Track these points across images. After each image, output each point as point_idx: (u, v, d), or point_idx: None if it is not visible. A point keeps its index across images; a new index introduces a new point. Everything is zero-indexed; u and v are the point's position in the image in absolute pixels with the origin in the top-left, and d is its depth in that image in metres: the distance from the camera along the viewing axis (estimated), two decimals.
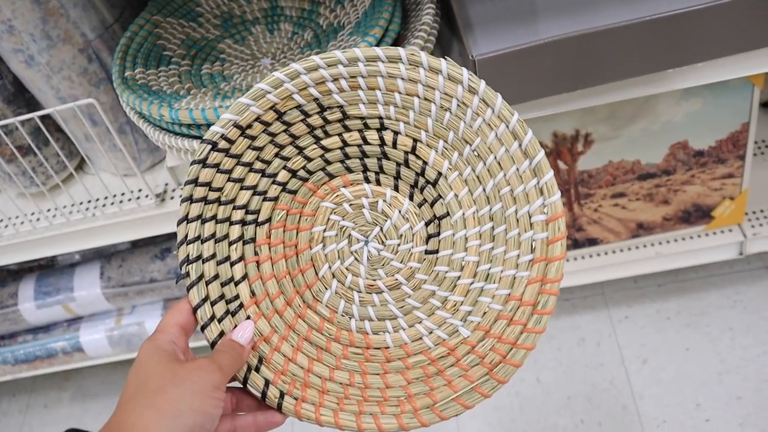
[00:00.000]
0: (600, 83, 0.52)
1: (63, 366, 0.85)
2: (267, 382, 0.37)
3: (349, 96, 0.37)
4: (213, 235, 0.38)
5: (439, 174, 0.38)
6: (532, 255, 0.35)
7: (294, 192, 0.40)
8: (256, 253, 0.39)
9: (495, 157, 0.36)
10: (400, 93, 0.37)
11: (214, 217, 0.38)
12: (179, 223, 0.37)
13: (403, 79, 0.36)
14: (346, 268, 0.40)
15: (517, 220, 0.36)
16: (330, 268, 0.40)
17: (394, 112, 0.37)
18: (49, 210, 0.69)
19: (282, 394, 0.37)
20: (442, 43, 0.58)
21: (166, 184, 0.66)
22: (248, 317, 0.38)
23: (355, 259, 0.40)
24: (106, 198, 0.67)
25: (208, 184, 0.37)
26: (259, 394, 0.37)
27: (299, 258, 0.40)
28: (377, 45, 0.51)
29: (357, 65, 0.36)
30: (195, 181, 0.37)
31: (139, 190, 0.67)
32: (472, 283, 0.38)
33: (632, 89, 0.54)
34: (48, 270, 0.82)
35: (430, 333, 0.38)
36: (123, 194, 0.67)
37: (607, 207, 0.75)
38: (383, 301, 0.39)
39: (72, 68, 0.59)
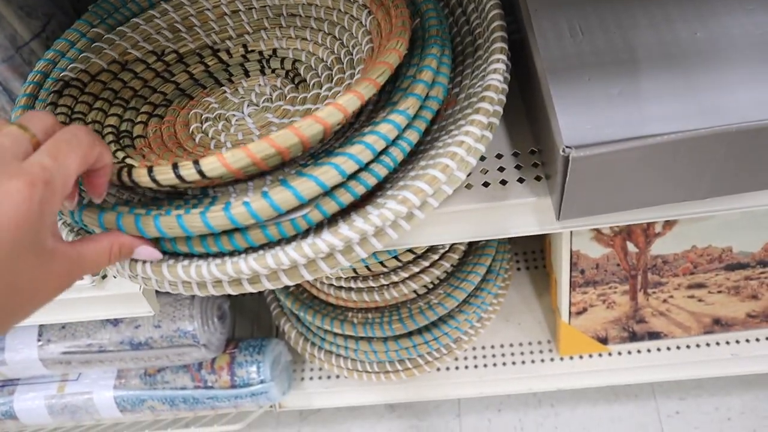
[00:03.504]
0: (735, 192, 0.35)
1: None
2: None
3: (176, 38, 0.44)
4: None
5: (274, 50, 0.45)
6: None
7: (161, 116, 0.42)
8: (135, 148, 0.39)
9: None
10: (213, 20, 0.45)
11: (83, 119, 0.39)
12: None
13: (209, 9, 0.45)
14: (233, 133, 0.41)
15: None
16: (221, 139, 0.41)
17: (218, 37, 0.45)
18: None
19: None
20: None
21: None
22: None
23: (239, 125, 0.41)
24: None
25: (69, 107, 0.39)
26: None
27: (184, 148, 0.40)
28: (422, 106, 0.34)
29: (169, 14, 0.44)
30: (54, 105, 0.38)
31: None
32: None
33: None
34: None
35: (331, 91, 0.40)
36: None
37: (680, 298, 0.59)
38: (280, 125, 0.40)
39: None
